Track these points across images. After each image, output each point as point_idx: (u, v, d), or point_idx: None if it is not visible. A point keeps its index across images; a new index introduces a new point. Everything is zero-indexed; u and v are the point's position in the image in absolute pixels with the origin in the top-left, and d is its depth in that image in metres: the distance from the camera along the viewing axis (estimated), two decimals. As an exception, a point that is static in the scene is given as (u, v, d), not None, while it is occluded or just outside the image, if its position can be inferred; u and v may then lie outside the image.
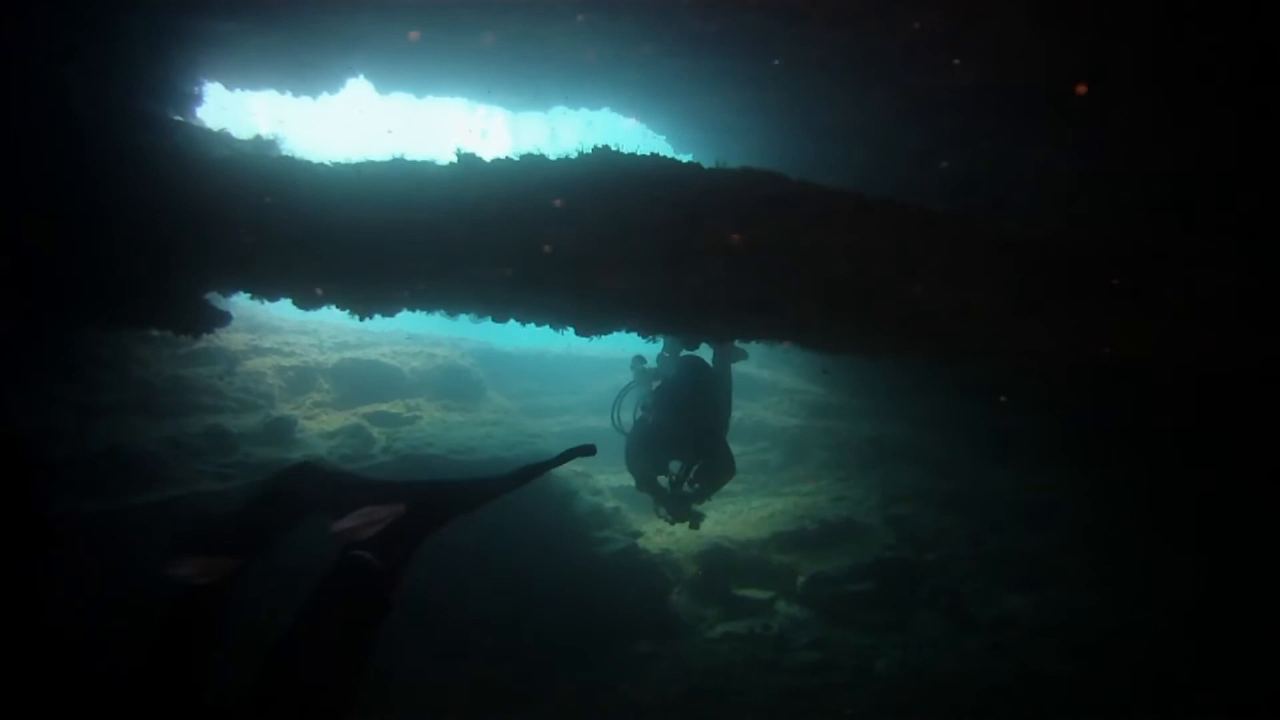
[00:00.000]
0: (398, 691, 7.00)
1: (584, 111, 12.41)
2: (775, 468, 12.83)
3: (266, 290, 6.55)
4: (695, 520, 8.78)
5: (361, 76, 11.28)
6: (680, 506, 8.69)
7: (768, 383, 14.38)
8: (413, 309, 6.59)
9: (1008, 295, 5.96)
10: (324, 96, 11.17)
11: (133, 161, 6.22)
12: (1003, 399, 8.32)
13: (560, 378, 15.12)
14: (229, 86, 10.43)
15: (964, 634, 8.82)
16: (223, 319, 7.16)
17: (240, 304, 8.63)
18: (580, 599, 8.43)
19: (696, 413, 8.61)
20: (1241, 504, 8.04)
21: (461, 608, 7.83)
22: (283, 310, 13.27)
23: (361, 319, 6.59)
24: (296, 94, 11.06)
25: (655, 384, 9.22)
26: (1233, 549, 8.35)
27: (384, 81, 11.36)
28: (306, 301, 6.45)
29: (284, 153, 7.00)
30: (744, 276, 5.75)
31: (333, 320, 13.43)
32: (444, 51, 9.74)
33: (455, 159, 6.04)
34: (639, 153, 5.90)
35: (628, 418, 9.28)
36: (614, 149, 5.86)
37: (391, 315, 6.62)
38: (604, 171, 5.67)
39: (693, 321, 6.25)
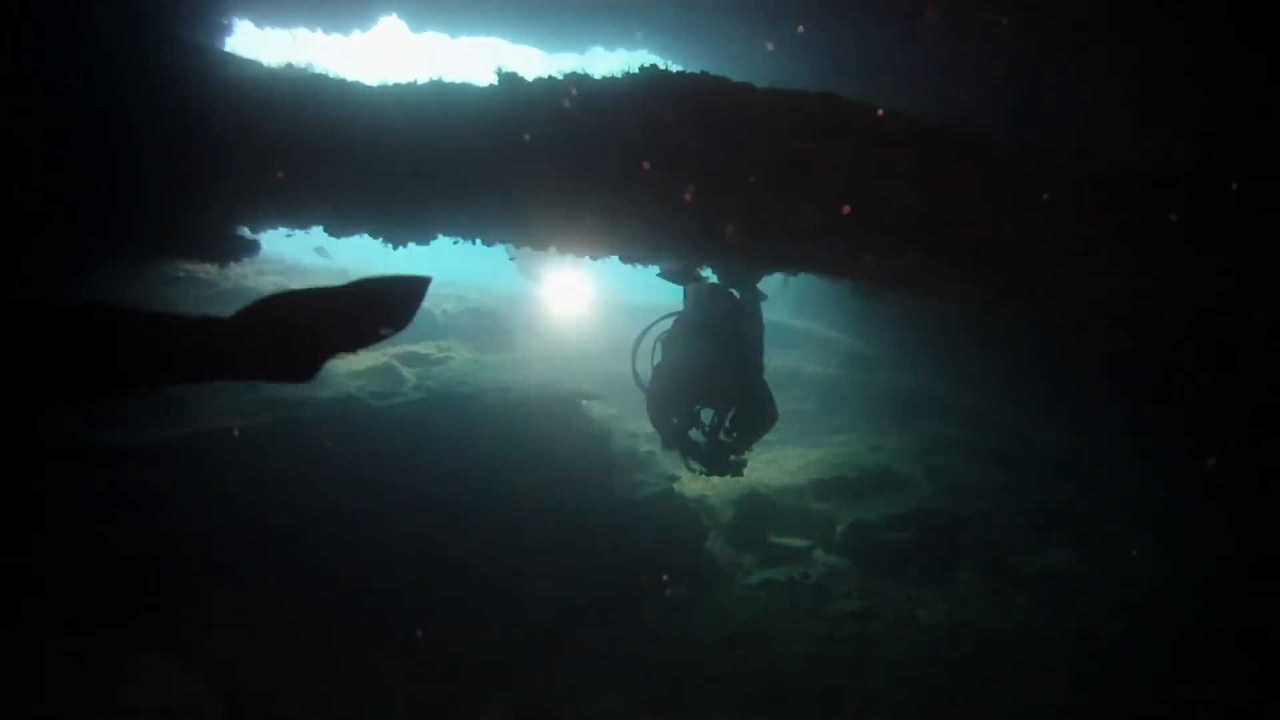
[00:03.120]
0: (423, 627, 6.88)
1: (621, 53, 12.14)
2: (811, 417, 12.59)
3: (299, 215, 6.35)
4: (737, 468, 7.76)
5: (395, 15, 11.06)
6: (719, 457, 7.61)
7: (802, 332, 14.12)
8: (447, 234, 6.36)
9: (1070, 228, 5.68)
10: (355, 34, 10.95)
11: (161, 81, 6.02)
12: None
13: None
14: (259, 24, 10.24)
15: (1009, 588, 8.59)
16: (252, 247, 6.97)
17: (270, 249, 8.46)
18: (617, 542, 8.25)
19: (724, 349, 7.41)
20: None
21: (496, 549, 7.66)
22: (315, 259, 13.14)
23: (395, 247, 6.38)
24: (328, 30, 10.84)
25: (671, 320, 7.79)
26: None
27: (417, 18, 11.12)
28: (339, 227, 6.26)
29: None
30: (796, 201, 5.49)
31: (365, 264, 13.30)
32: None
33: (496, 79, 5.80)
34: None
35: (645, 366, 7.84)
36: (663, 68, 5.60)
37: (426, 243, 6.40)
38: (654, 88, 5.40)
39: (742, 249, 5.98)
